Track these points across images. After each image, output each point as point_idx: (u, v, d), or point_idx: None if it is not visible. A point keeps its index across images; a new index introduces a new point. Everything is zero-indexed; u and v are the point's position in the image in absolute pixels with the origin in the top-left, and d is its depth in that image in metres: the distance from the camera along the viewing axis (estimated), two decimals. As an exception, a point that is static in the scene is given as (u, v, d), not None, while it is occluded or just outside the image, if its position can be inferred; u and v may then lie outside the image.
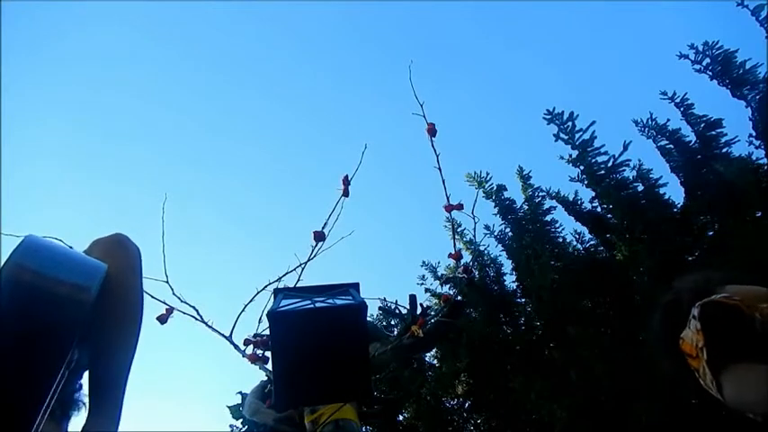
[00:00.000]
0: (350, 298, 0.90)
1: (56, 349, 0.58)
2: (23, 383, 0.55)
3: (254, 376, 2.63)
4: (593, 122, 3.44)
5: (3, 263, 0.58)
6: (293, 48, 7.37)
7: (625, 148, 3.41)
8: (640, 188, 3.44)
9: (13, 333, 0.55)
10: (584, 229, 3.77)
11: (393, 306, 3.34)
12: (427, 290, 4.26)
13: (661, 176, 3.45)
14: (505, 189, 4.00)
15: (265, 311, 1.86)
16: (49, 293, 0.59)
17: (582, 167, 3.49)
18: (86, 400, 0.71)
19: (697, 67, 3.35)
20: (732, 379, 0.80)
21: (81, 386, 0.76)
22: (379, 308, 4.06)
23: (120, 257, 0.81)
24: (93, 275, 0.65)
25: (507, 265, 4.05)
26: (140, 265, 0.85)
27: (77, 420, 0.78)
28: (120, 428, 0.69)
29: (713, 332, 0.85)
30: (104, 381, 0.71)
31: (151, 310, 2.09)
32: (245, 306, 2.07)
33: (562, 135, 3.48)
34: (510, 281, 4.05)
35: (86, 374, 0.73)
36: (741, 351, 0.82)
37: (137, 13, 5.80)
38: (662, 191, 3.44)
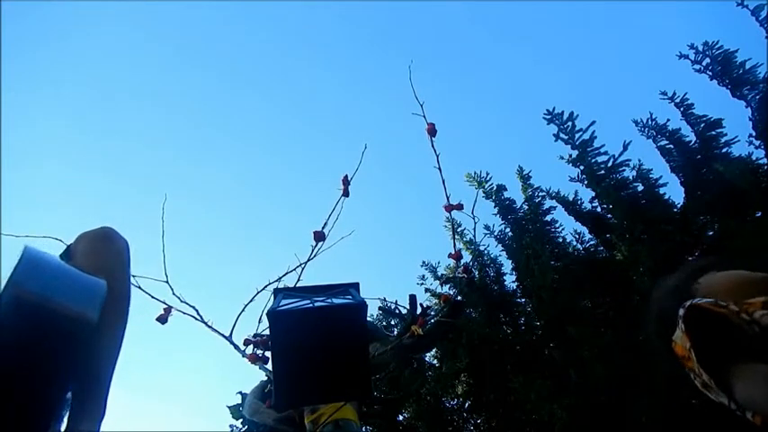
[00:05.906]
0: (350, 298, 0.90)
1: (58, 379, 0.57)
2: (26, 408, 0.54)
3: (254, 376, 2.63)
4: (593, 122, 3.44)
5: (4, 282, 0.56)
6: (293, 47, 7.37)
7: (625, 148, 3.42)
8: (640, 188, 3.44)
9: (16, 357, 0.55)
10: (585, 229, 3.78)
11: (393, 306, 3.34)
12: (427, 290, 4.25)
13: (661, 176, 3.46)
14: (505, 189, 4.00)
15: (265, 311, 1.86)
16: (54, 320, 0.57)
17: (582, 167, 3.49)
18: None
19: (697, 67, 3.35)
20: (741, 380, 0.79)
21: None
22: (379, 308, 4.06)
23: (107, 253, 0.79)
24: (95, 299, 0.64)
25: (507, 265, 4.05)
26: (129, 259, 0.83)
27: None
28: (103, 428, 0.68)
29: (699, 337, 0.85)
30: (88, 379, 0.69)
31: (151, 309, 2.10)
32: (245, 306, 2.07)
33: (562, 135, 3.48)
34: (510, 281, 4.05)
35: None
36: (731, 355, 0.81)
37: (138, 13, 5.80)
38: (662, 191, 3.44)
